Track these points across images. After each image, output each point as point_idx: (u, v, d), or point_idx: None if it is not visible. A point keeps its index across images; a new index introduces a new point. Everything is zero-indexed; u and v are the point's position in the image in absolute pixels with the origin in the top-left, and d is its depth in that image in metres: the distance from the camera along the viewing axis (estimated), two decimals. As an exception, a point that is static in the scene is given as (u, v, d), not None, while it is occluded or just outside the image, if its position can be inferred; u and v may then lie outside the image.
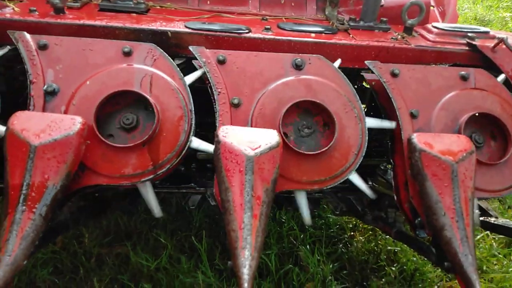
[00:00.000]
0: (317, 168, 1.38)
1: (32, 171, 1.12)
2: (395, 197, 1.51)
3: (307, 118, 1.43)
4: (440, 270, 2.34)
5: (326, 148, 1.36)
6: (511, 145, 1.46)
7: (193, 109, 1.36)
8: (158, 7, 1.79)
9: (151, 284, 2.07)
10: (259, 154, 1.21)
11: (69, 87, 1.30)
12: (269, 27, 1.59)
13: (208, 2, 1.88)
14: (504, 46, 1.57)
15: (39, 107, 1.28)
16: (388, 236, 2.51)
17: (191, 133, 1.34)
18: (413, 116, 1.48)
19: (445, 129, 1.48)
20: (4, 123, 1.32)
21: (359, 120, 1.43)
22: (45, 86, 1.29)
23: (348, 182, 1.45)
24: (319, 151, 1.36)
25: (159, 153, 1.30)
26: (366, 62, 1.52)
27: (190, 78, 1.40)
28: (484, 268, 2.37)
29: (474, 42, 1.63)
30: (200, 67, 1.42)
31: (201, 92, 1.44)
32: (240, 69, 1.42)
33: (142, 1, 1.67)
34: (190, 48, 1.41)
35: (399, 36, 1.69)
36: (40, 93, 1.28)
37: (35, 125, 1.16)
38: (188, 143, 1.33)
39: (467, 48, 1.64)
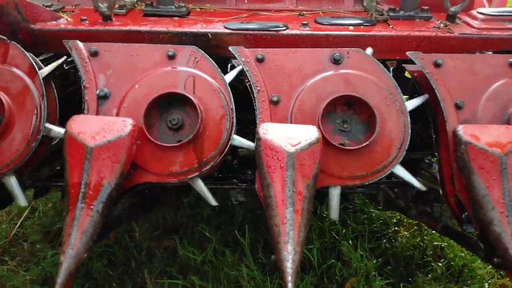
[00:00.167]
0: (358, 163, 1.38)
1: (89, 170, 1.21)
2: (441, 191, 1.48)
3: (347, 112, 1.43)
4: (491, 266, 2.25)
5: (367, 142, 1.35)
6: None
7: (234, 107, 1.40)
8: (198, 9, 1.85)
9: (198, 276, 2.15)
10: (299, 150, 1.23)
11: (119, 91, 1.39)
12: (306, 22, 1.59)
13: (246, 1, 1.92)
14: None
15: (93, 111, 1.37)
16: (434, 231, 2.44)
17: (233, 131, 1.39)
18: (458, 107, 1.43)
19: (493, 120, 1.42)
20: (62, 125, 1.43)
21: (401, 113, 1.41)
22: (98, 91, 1.38)
23: (392, 176, 1.43)
24: (359, 146, 1.36)
25: (204, 151, 1.35)
26: (407, 53, 1.49)
27: (229, 77, 1.44)
28: (540, 264, 2.25)
29: (525, 26, 1.55)
30: (239, 65, 1.46)
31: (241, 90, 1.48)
32: (278, 66, 1.44)
33: (183, 4, 1.73)
34: (230, 48, 1.45)
35: (442, 25, 1.64)
36: (93, 97, 1.38)
37: (91, 128, 1.25)
38: (230, 141, 1.37)
39: (517, 33, 1.56)
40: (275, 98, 1.41)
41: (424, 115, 1.57)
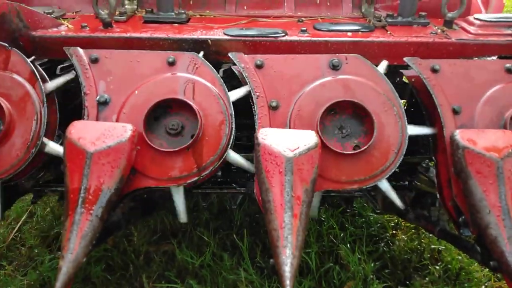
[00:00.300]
0: (356, 168, 1.39)
1: (88, 176, 1.22)
2: (438, 195, 1.50)
3: (345, 118, 1.45)
4: (487, 269, 2.26)
5: (365, 147, 1.37)
6: None
7: (233, 113, 1.41)
8: (198, 16, 1.87)
9: (196, 280, 2.15)
10: (298, 155, 1.24)
11: (119, 97, 1.40)
12: (305, 28, 1.61)
13: (245, 8, 1.94)
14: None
15: (93, 117, 1.38)
16: (431, 235, 2.45)
17: (232, 137, 1.40)
18: (455, 112, 1.45)
19: (489, 124, 1.44)
20: (62, 131, 1.44)
21: (399, 118, 1.42)
22: (98, 97, 1.40)
23: (390, 180, 1.45)
24: (358, 151, 1.37)
25: (203, 156, 1.36)
26: (405, 59, 1.51)
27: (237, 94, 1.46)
28: (537, 267, 2.26)
29: (520, 33, 1.57)
30: (239, 72, 1.47)
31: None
32: (277, 72, 1.46)
33: (183, 11, 1.74)
34: (229, 54, 1.47)
35: (439, 30, 1.66)
36: (94, 104, 1.39)
37: (91, 134, 1.26)
38: (225, 156, 1.39)
39: (513, 39, 1.58)
40: (274, 104, 1.43)
41: (421, 119, 1.58)
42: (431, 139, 1.54)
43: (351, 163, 1.40)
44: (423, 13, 1.75)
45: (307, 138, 1.28)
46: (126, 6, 1.81)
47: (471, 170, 1.29)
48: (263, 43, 1.54)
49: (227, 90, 1.43)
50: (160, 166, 1.35)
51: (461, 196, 1.36)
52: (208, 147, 1.37)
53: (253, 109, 1.44)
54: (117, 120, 1.38)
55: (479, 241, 1.40)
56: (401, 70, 1.60)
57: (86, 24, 1.58)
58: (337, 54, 1.49)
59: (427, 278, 2.22)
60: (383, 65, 1.51)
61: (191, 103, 1.36)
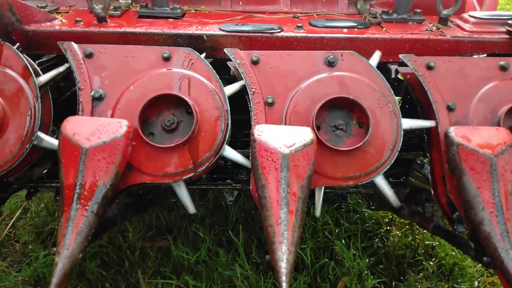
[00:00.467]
0: (352, 164, 1.40)
1: (84, 171, 1.22)
2: (433, 192, 1.51)
3: (340, 114, 1.45)
4: (480, 265, 2.29)
5: (361, 144, 1.37)
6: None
7: (229, 109, 1.41)
8: (193, 11, 1.86)
9: (192, 276, 2.16)
10: (294, 152, 1.24)
11: (114, 92, 1.39)
12: (300, 25, 1.61)
13: (241, 3, 1.93)
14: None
15: (88, 112, 1.37)
16: (425, 231, 2.47)
17: (228, 133, 1.40)
18: (450, 109, 1.46)
19: (483, 121, 1.45)
20: (56, 127, 1.43)
21: (394, 115, 1.43)
22: (92, 92, 1.38)
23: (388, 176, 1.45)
24: (353, 147, 1.38)
25: (199, 152, 1.36)
26: (400, 55, 1.51)
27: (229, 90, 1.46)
28: (529, 263, 2.29)
29: (514, 30, 1.58)
30: (235, 68, 1.47)
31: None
32: (273, 68, 1.46)
33: (178, 6, 1.73)
34: (225, 50, 1.46)
35: (434, 27, 1.66)
36: (88, 99, 1.38)
37: (85, 129, 1.25)
38: (221, 151, 1.38)
39: (507, 36, 1.59)
40: (270, 100, 1.43)
41: (416, 116, 1.59)
42: (425, 136, 1.55)
43: (347, 160, 1.40)
44: (418, 10, 1.76)
45: (303, 135, 1.29)
46: (121, 1, 1.79)
47: (465, 167, 1.30)
48: (259, 39, 1.54)
49: (222, 86, 1.43)
50: (156, 162, 1.35)
51: (455, 192, 1.37)
52: (204, 143, 1.37)
53: (249, 105, 1.44)
54: (112, 116, 1.37)
55: (472, 237, 1.42)
56: (396, 67, 1.61)
57: (80, 19, 1.57)
58: (332, 51, 1.49)
59: (421, 274, 2.24)
60: (376, 56, 1.50)
61: (186, 98, 1.35)
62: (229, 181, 1.80)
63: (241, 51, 1.46)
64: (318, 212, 1.48)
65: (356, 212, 2.63)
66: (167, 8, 1.71)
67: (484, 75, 1.49)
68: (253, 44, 1.54)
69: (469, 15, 1.69)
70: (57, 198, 1.88)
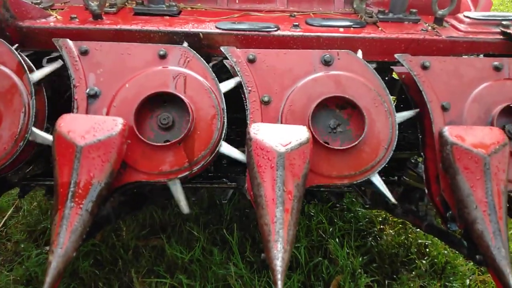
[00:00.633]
0: (347, 163, 1.40)
1: (78, 170, 1.20)
2: (426, 190, 1.52)
3: (336, 113, 1.45)
4: (472, 263, 2.32)
5: (356, 142, 1.38)
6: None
7: (225, 107, 1.40)
8: (189, 9, 1.85)
9: (186, 275, 2.15)
10: (290, 150, 1.24)
11: (109, 90, 1.38)
12: (297, 23, 1.61)
13: (237, 1, 1.92)
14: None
15: (83, 110, 1.36)
16: (418, 229, 2.50)
17: (224, 131, 1.39)
18: (444, 108, 1.47)
19: (477, 121, 1.46)
20: (50, 124, 1.42)
21: (389, 114, 1.44)
22: (88, 90, 1.37)
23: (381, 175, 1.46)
24: (348, 146, 1.38)
25: (194, 151, 1.36)
26: (395, 55, 1.52)
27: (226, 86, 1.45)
28: (519, 261, 2.33)
29: (508, 31, 1.59)
30: (231, 66, 1.47)
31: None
32: (269, 67, 1.46)
33: (174, 3, 1.72)
34: (221, 48, 1.46)
35: (430, 27, 1.67)
36: (83, 96, 1.37)
37: (80, 127, 1.24)
38: (218, 148, 1.38)
39: (501, 37, 1.61)
40: (266, 99, 1.43)
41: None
42: (420, 135, 1.56)
43: (342, 158, 1.41)
44: (414, 10, 1.77)
45: (299, 133, 1.29)
46: (116, -2, 1.78)
47: (459, 166, 1.31)
48: (256, 37, 1.53)
49: (219, 84, 1.42)
50: (151, 160, 1.34)
51: (449, 191, 1.39)
52: (200, 142, 1.36)
53: (245, 103, 1.43)
54: (107, 114, 1.36)
55: (465, 235, 1.43)
56: (392, 67, 1.62)
57: (75, 16, 1.55)
58: (329, 50, 1.49)
59: (413, 272, 2.26)
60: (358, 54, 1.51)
61: (182, 96, 1.35)
62: (224, 179, 1.80)
63: (238, 49, 1.46)
64: (391, 197, 1.47)
65: (350, 211, 2.64)
66: (163, 6, 1.70)
67: (479, 75, 1.50)
68: (250, 43, 1.54)
69: (464, 16, 1.70)
70: (48, 195, 1.86)
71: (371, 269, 2.25)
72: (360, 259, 2.25)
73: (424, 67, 1.49)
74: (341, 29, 1.62)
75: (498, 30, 1.63)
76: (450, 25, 1.71)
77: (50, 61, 1.59)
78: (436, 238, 2.39)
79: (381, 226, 2.58)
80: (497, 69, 1.52)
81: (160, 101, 1.39)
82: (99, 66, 1.40)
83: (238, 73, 1.44)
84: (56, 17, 1.57)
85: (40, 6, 1.63)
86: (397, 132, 1.44)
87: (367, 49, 1.56)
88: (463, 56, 1.60)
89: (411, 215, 1.84)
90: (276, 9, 1.93)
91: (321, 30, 1.59)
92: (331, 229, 2.45)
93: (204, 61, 1.43)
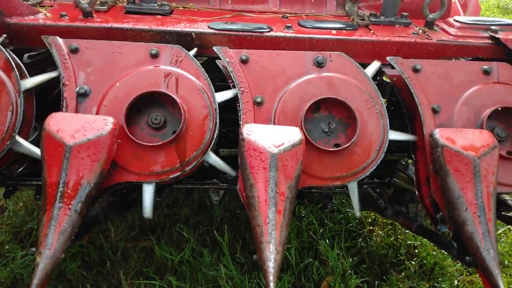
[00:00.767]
0: (339, 164, 1.41)
1: (67, 169, 1.18)
2: (417, 192, 1.53)
3: (329, 115, 1.46)
4: (460, 264, 2.34)
5: (348, 144, 1.38)
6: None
7: (217, 108, 1.39)
8: (181, 8, 1.83)
9: (175, 277, 2.13)
10: (283, 151, 1.24)
11: (100, 89, 1.36)
12: (290, 25, 1.61)
13: (229, 2, 1.92)
14: (529, 39, 1.56)
15: (72, 109, 1.34)
16: (407, 231, 2.52)
17: (216, 132, 1.39)
18: (435, 111, 1.48)
19: (467, 124, 1.48)
20: (38, 124, 1.39)
21: (381, 116, 1.45)
22: (77, 88, 1.35)
23: (369, 177, 1.47)
24: (341, 148, 1.39)
25: (186, 151, 1.34)
26: (387, 58, 1.53)
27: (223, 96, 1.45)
28: (506, 262, 2.37)
29: (497, 35, 1.62)
30: (224, 67, 1.46)
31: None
32: (262, 68, 1.45)
33: (166, 2, 1.71)
34: (214, 48, 1.45)
35: (420, 31, 1.69)
36: (73, 95, 1.34)
37: (70, 126, 1.22)
38: (205, 157, 1.37)
39: (490, 41, 1.63)
40: (258, 99, 1.42)
41: (401, 118, 1.61)
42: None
43: (334, 160, 1.41)
44: (405, 14, 1.78)
45: (291, 135, 1.29)
46: (107, -4, 1.76)
47: (450, 168, 1.32)
48: (248, 38, 1.53)
49: (211, 84, 1.41)
50: (142, 161, 1.32)
51: (439, 193, 1.40)
52: (192, 142, 1.35)
53: (238, 104, 1.43)
54: (97, 113, 1.34)
55: (455, 237, 1.45)
56: (383, 69, 1.63)
57: (65, 13, 1.52)
58: (321, 52, 1.49)
59: (403, 273, 2.28)
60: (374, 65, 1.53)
61: (174, 96, 1.33)
62: (215, 180, 1.79)
63: (231, 50, 1.45)
64: (357, 212, 1.50)
65: (340, 212, 2.65)
66: (155, 5, 1.69)
67: (468, 78, 1.53)
68: (242, 43, 1.53)
69: (454, 20, 1.72)
70: (38, 196, 1.82)
71: (361, 270, 2.26)
72: (350, 260, 2.26)
73: (416, 70, 1.51)
74: (334, 31, 1.62)
75: (487, 34, 1.66)
76: (440, 29, 1.73)
77: (31, 57, 1.57)
78: (425, 240, 2.42)
79: (371, 227, 2.59)
80: (486, 72, 1.54)
81: (152, 101, 1.38)
82: (89, 64, 1.38)
83: (230, 73, 1.43)
84: (45, 14, 1.54)
85: (29, 2, 1.60)
86: (388, 134, 1.45)
87: (359, 51, 1.57)
88: (454, 60, 1.61)
89: (401, 217, 1.85)
90: (269, 10, 1.93)
91: (314, 32, 1.59)
92: (321, 230, 2.45)
93: (197, 61, 1.42)
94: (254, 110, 1.42)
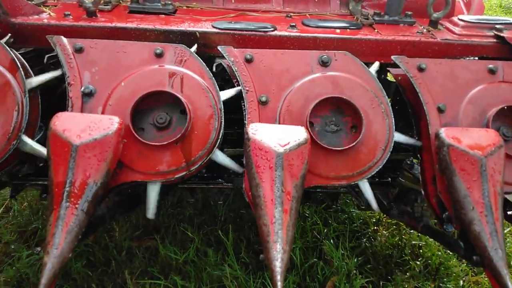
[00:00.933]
0: (344, 164, 1.40)
1: (74, 169, 1.18)
2: (423, 192, 1.52)
3: (334, 114, 1.45)
4: (465, 264, 2.33)
5: (354, 143, 1.38)
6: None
7: (222, 107, 1.39)
8: (185, 8, 1.83)
9: (180, 276, 2.13)
10: (288, 151, 1.24)
11: (105, 88, 1.36)
12: (294, 24, 1.61)
13: (233, 1, 1.91)
14: (534, 38, 1.55)
15: (77, 108, 1.34)
16: (412, 231, 2.51)
17: (221, 131, 1.38)
18: (440, 110, 1.48)
19: (473, 123, 1.47)
20: (44, 123, 1.39)
21: (386, 116, 1.44)
22: (83, 88, 1.35)
23: (375, 176, 1.46)
24: (346, 147, 1.38)
25: (191, 151, 1.34)
26: (392, 57, 1.52)
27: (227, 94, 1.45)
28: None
29: (502, 34, 1.61)
30: (228, 66, 1.46)
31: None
32: (267, 67, 1.45)
33: (169, 2, 1.71)
34: (219, 48, 1.45)
35: (425, 30, 1.68)
36: (78, 95, 1.35)
37: (76, 126, 1.21)
38: (211, 156, 1.37)
39: (494, 40, 1.63)
40: (263, 99, 1.42)
41: (406, 117, 1.61)
42: (416, 137, 1.57)
43: (340, 159, 1.41)
44: (409, 13, 1.78)
45: (297, 134, 1.28)
46: (111, -4, 1.76)
47: (456, 167, 1.32)
48: (253, 37, 1.53)
49: (216, 83, 1.41)
50: (148, 160, 1.32)
51: (446, 192, 1.39)
52: (197, 141, 1.35)
53: (243, 103, 1.43)
54: (102, 112, 1.34)
55: (462, 236, 1.44)
56: (388, 68, 1.62)
57: (69, 13, 1.53)
58: (326, 51, 1.49)
59: (408, 273, 2.27)
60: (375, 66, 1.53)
61: (179, 96, 1.33)
62: (220, 180, 1.79)
63: (235, 49, 1.45)
64: (376, 207, 1.51)
65: (344, 212, 2.64)
66: (159, 4, 1.69)
67: (474, 77, 1.52)
68: (246, 42, 1.53)
69: (459, 19, 1.71)
70: (44, 196, 1.83)
71: (366, 270, 2.26)
72: (355, 260, 2.25)
73: (421, 69, 1.50)
74: (338, 30, 1.62)
75: (491, 33, 1.65)
76: (445, 28, 1.72)
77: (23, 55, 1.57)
78: (430, 240, 2.41)
79: (375, 227, 2.59)
80: (491, 71, 1.53)
81: (157, 100, 1.38)
82: (94, 64, 1.38)
83: (235, 73, 1.43)
84: (49, 13, 1.54)
85: (33, 2, 1.60)
86: (394, 133, 1.45)
87: (363, 50, 1.57)
88: (459, 59, 1.61)
89: (406, 216, 1.84)
90: (272, 10, 1.92)
91: (318, 31, 1.59)
92: (325, 230, 2.45)
93: (201, 60, 1.42)
94: (259, 109, 1.42)
